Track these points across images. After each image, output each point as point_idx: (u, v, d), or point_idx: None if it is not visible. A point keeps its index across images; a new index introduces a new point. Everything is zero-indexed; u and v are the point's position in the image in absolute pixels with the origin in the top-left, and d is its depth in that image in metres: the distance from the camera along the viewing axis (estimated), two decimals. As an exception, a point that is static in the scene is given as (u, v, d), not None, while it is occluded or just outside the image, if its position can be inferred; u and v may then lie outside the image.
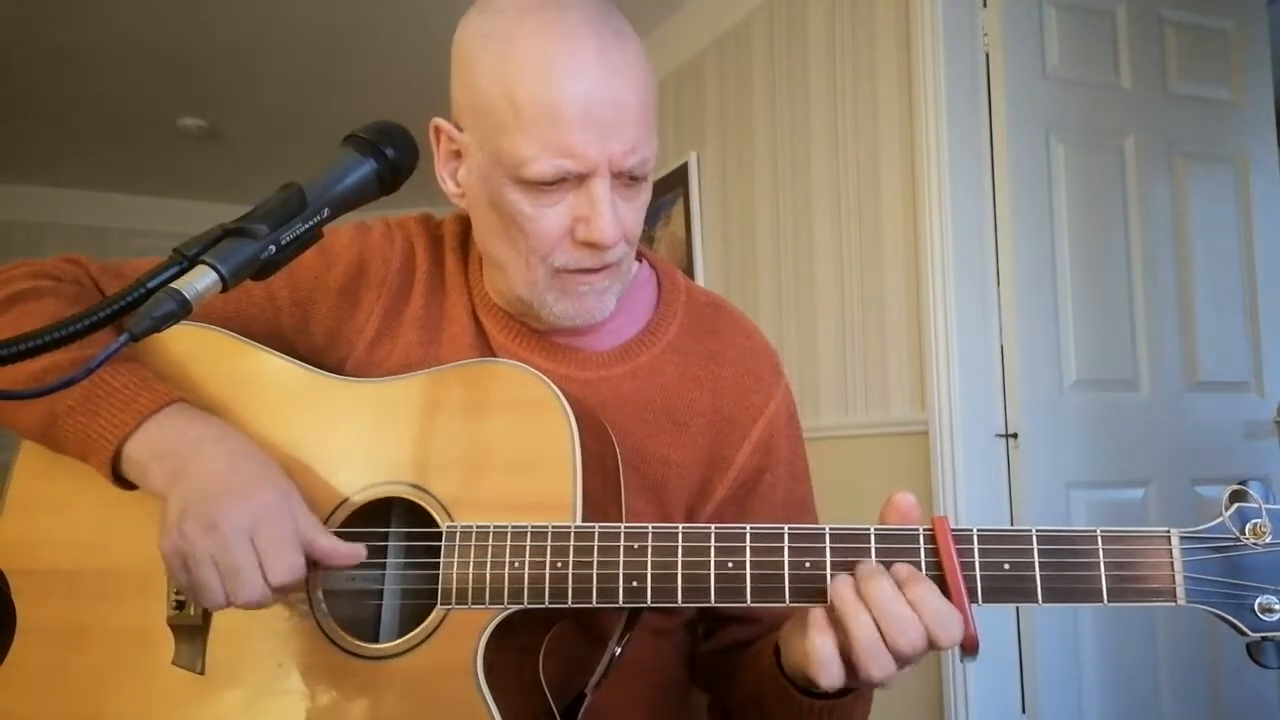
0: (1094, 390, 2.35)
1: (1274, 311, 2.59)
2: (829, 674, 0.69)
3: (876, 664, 0.68)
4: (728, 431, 0.95)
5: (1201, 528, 0.68)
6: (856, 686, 0.73)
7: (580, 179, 0.82)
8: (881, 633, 0.67)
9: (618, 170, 0.82)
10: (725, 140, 3.30)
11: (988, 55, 2.38)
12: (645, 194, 0.88)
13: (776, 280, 2.99)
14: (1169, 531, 0.68)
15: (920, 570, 0.70)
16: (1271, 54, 2.70)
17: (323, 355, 0.96)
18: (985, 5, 2.39)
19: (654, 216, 3.60)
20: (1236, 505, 0.68)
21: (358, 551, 0.79)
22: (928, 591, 0.68)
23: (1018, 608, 2.24)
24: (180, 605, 0.83)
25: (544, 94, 0.79)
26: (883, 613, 0.68)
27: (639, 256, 1.00)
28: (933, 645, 0.68)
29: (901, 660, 0.68)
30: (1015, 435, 2.28)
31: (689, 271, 3.33)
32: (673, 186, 3.51)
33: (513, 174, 0.82)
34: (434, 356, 0.94)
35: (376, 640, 0.83)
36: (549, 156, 0.80)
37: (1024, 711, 2.24)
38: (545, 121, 0.79)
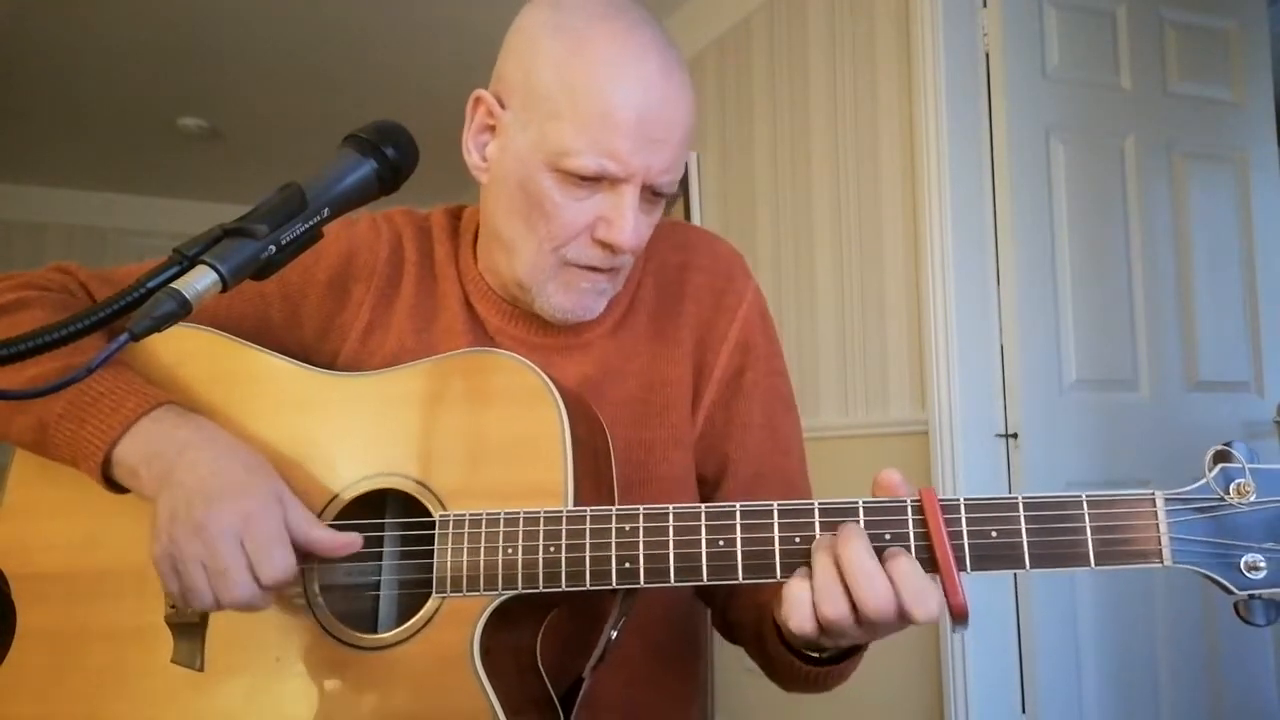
0: (1094, 390, 2.35)
1: (1274, 311, 2.59)
2: (797, 617, 0.69)
3: (829, 602, 0.68)
4: (708, 336, 0.98)
5: (1186, 489, 0.69)
6: (834, 651, 0.76)
7: (614, 182, 0.85)
8: (842, 577, 0.68)
9: (650, 184, 0.86)
10: (725, 140, 3.30)
11: (988, 55, 2.38)
12: (660, 211, 0.91)
13: (777, 280, 2.99)
14: (1154, 494, 0.69)
15: (909, 540, 0.71)
16: (1271, 54, 2.70)
17: (314, 349, 0.97)
18: (985, 5, 2.39)
19: (654, 216, 3.60)
20: (1220, 466, 0.68)
21: (354, 540, 0.80)
22: (907, 564, 0.69)
23: (1017, 606, 2.25)
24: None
25: (606, 95, 0.83)
26: (846, 561, 0.69)
27: None
28: (906, 616, 0.68)
29: (861, 609, 0.68)
30: (1015, 435, 2.28)
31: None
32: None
33: (554, 161, 0.84)
34: (427, 344, 0.95)
35: (375, 632, 0.84)
36: (594, 154, 0.83)
37: (1024, 711, 2.24)
38: (600, 120, 0.83)
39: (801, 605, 0.69)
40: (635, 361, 0.96)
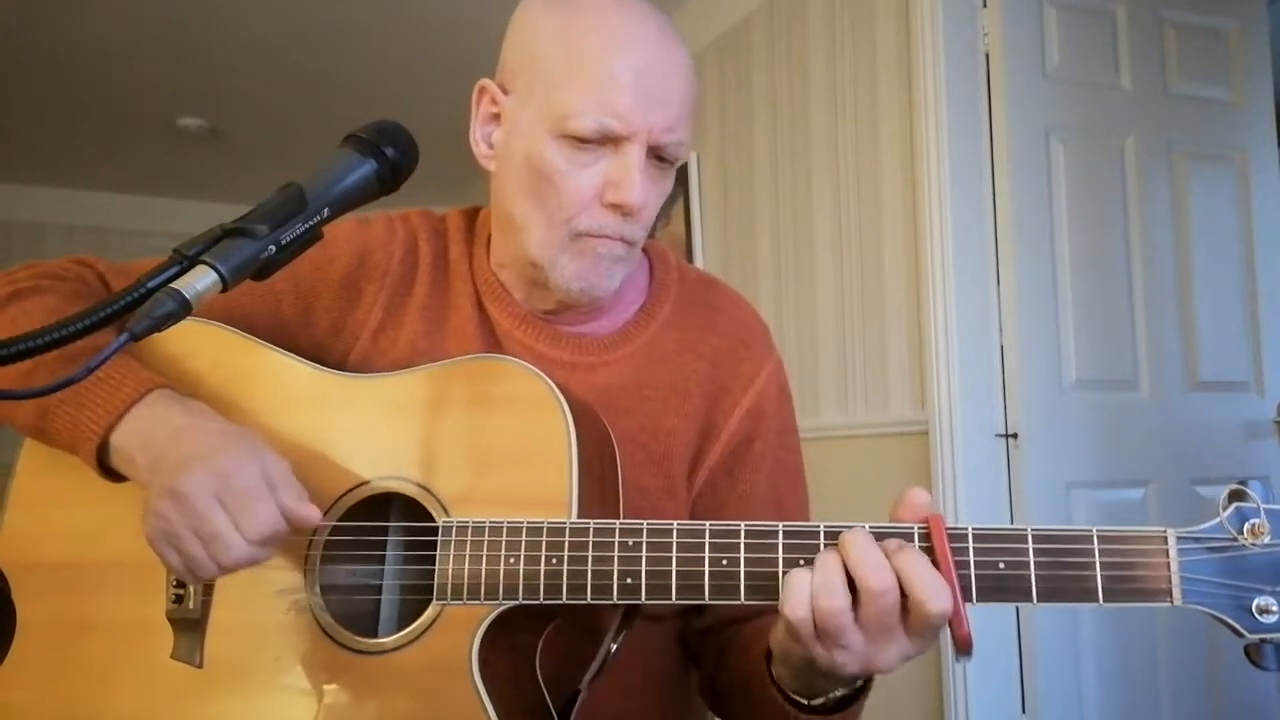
0: (1094, 390, 2.35)
1: (1274, 311, 2.59)
2: (793, 601, 0.67)
3: (828, 592, 0.66)
4: (721, 399, 0.97)
5: (1199, 528, 0.67)
6: (836, 695, 0.74)
7: (618, 144, 0.85)
8: (846, 571, 0.67)
9: (654, 143, 0.86)
10: (725, 140, 3.30)
11: (988, 55, 2.38)
12: (668, 182, 0.91)
13: (776, 280, 2.99)
14: (1166, 531, 0.67)
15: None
16: (1271, 54, 2.70)
17: (326, 348, 0.97)
18: (985, 5, 2.39)
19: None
20: (1235, 505, 0.67)
21: (310, 514, 0.77)
22: (915, 555, 0.67)
23: (1017, 605, 2.25)
24: (179, 599, 0.84)
25: (603, 57, 0.85)
26: (850, 547, 0.67)
27: None
28: (916, 606, 0.66)
29: (863, 595, 0.66)
30: (1015, 435, 2.28)
31: (689, 271, 3.33)
32: (673, 186, 3.51)
33: (557, 127, 0.85)
34: (438, 346, 0.95)
35: (375, 636, 0.83)
36: (596, 113, 0.84)
37: (1024, 711, 2.24)
38: (599, 81, 0.84)
39: (800, 590, 0.67)
40: (641, 402, 0.95)
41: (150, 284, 0.65)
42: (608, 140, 0.85)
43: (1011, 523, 2.27)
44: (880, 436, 2.55)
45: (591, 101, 0.83)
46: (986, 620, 2.23)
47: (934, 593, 0.66)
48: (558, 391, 0.81)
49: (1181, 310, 2.48)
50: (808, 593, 0.67)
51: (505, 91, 0.91)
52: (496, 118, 0.92)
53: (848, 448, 2.62)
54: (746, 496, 0.97)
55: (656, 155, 0.87)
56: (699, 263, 3.37)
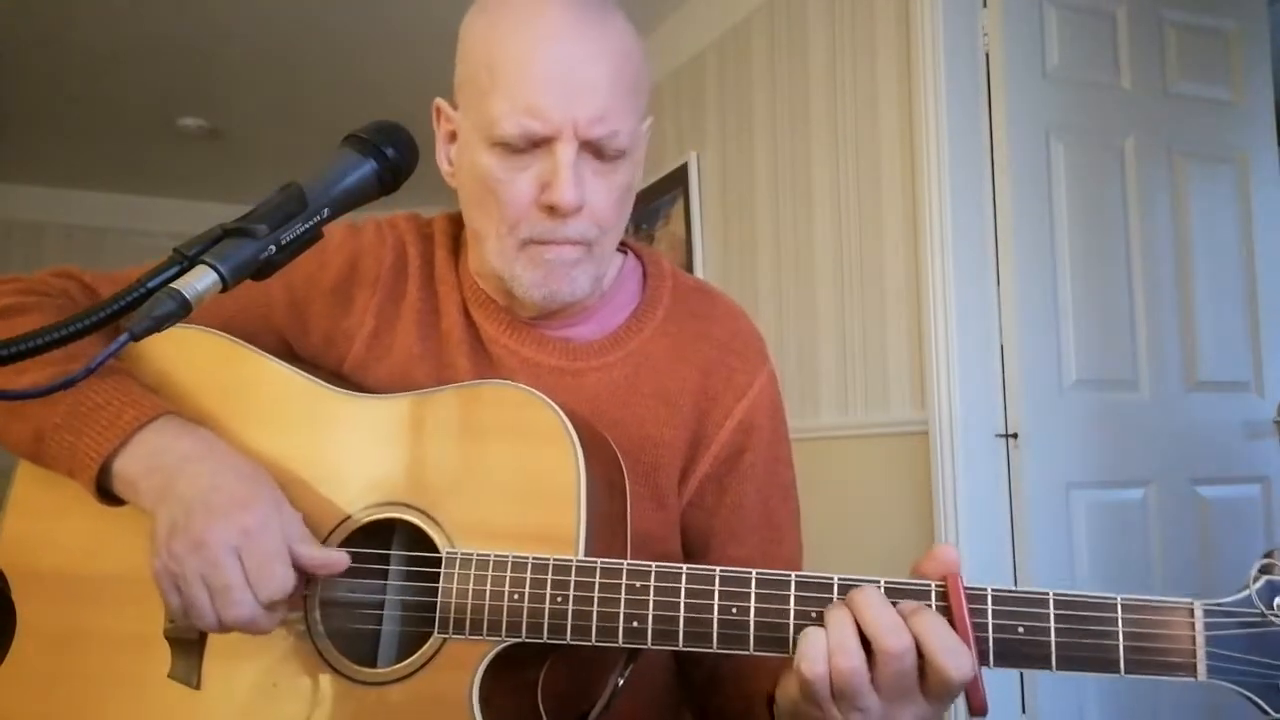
0: (1094, 390, 2.35)
1: (1274, 311, 2.59)
2: (809, 660, 0.66)
3: (844, 653, 0.65)
4: (711, 410, 0.95)
5: (1227, 601, 0.65)
6: None
7: (548, 144, 0.83)
8: (861, 631, 0.66)
9: (585, 138, 0.83)
10: (725, 140, 3.30)
11: (988, 55, 2.38)
12: (621, 175, 0.87)
13: (776, 280, 2.99)
14: (1192, 603, 0.65)
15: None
16: (1271, 54, 2.70)
17: (321, 354, 0.96)
18: (985, 5, 2.39)
19: (654, 216, 3.60)
20: (1265, 578, 0.65)
21: (339, 561, 0.79)
22: (932, 618, 0.66)
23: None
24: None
25: (516, 57, 0.82)
26: (863, 609, 0.66)
27: (625, 248, 1.01)
28: (935, 670, 0.65)
29: (879, 658, 0.65)
30: (1015, 435, 2.28)
31: (688, 271, 3.33)
32: (673, 186, 3.51)
33: (487, 136, 0.84)
34: (433, 353, 0.94)
35: (375, 658, 0.83)
36: (517, 116, 0.81)
37: (1024, 711, 2.24)
38: (515, 82, 0.82)
39: (817, 647, 0.66)
40: (631, 410, 0.93)
41: (150, 284, 0.65)
42: (537, 142, 0.82)
43: (1012, 523, 2.28)
44: (880, 436, 2.55)
45: (511, 105, 0.81)
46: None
47: (955, 658, 0.65)
48: (567, 422, 0.79)
49: (1181, 310, 2.48)
50: (825, 650, 0.66)
51: (455, 107, 0.90)
52: (454, 135, 0.91)
53: (847, 448, 2.62)
54: (736, 507, 0.96)
55: (596, 150, 0.84)
56: (698, 262, 3.37)
